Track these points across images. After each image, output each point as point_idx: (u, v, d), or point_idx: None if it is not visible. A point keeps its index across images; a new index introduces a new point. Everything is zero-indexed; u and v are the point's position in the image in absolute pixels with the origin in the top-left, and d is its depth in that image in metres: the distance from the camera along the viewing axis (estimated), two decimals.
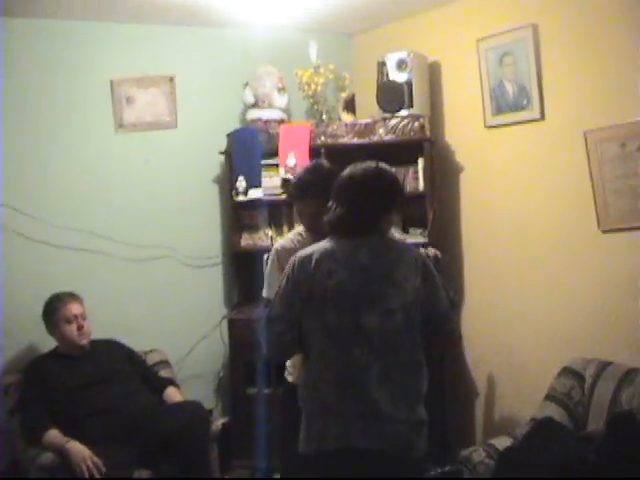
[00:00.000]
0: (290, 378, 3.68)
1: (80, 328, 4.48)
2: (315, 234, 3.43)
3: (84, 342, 4.50)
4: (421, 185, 4.99)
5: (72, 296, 4.55)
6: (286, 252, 3.51)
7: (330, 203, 3.06)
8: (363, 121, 5.16)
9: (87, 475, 3.95)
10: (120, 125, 5.21)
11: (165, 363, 5.01)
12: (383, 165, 3.09)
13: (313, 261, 2.97)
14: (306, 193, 3.50)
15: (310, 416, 3.01)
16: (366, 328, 2.90)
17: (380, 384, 2.89)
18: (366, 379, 2.90)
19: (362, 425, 2.89)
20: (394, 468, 2.91)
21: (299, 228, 3.71)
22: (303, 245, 3.47)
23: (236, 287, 5.40)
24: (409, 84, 5.00)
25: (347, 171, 3.08)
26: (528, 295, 4.69)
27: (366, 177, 3.03)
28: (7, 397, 4.54)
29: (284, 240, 3.71)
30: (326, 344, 2.96)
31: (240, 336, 5.11)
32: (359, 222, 3.00)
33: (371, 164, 3.08)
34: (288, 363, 3.68)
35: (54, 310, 4.49)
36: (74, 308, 4.49)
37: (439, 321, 3.07)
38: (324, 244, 3.05)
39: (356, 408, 2.90)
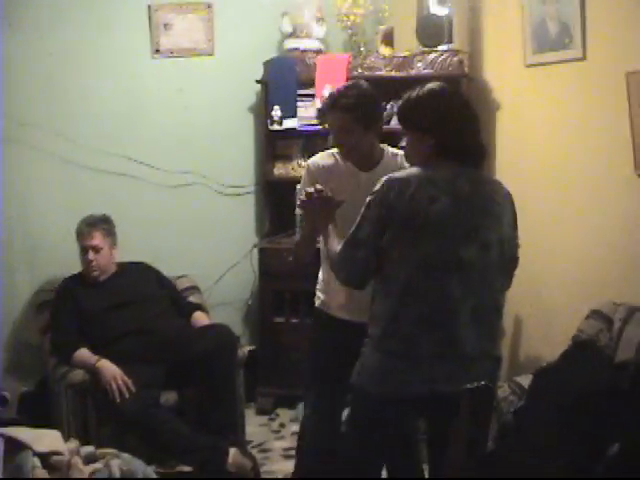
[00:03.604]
0: (317, 302, 3.62)
1: (89, 262, 4.46)
2: (340, 152, 3.43)
3: (94, 274, 4.47)
4: None
5: (91, 226, 4.48)
6: (318, 169, 3.50)
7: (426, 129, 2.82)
8: (401, 54, 5.10)
9: (117, 394, 4.01)
10: (157, 50, 5.20)
11: (194, 289, 5.03)
12: None
13: (412, 186, 2.71)
14: (337, 106, 3.32)
15: (386, 354, 2.77)
16: (465, 262, 2.71)
17: (471, 323, 2.73)
18: (458, 317, 2.71)
19: (447, 369, 2.71)
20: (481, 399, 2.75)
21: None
22: (335, 164, 3.47)
23: (268, 216, 5.42)
24: (449, 18, 4.94)
25: (441, 94, 2.85)
26: (558, 237, 4.65)
27: (465, 101, 2.92)
28: (40, 316, 4.64)
29: (318, 157, 3.59)
30: (419, 276, 2.71)
31: (270, 265, 5.14)
32: (463, 147, 2.81)
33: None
34: (318, 287, 3.61)
35: (77, 236, 4.51)
36: (88, 239, 4.44)
37: (514, 263, 2.98)
38: (421, 169, 2.79)
39: (443, 348, 2.71)
